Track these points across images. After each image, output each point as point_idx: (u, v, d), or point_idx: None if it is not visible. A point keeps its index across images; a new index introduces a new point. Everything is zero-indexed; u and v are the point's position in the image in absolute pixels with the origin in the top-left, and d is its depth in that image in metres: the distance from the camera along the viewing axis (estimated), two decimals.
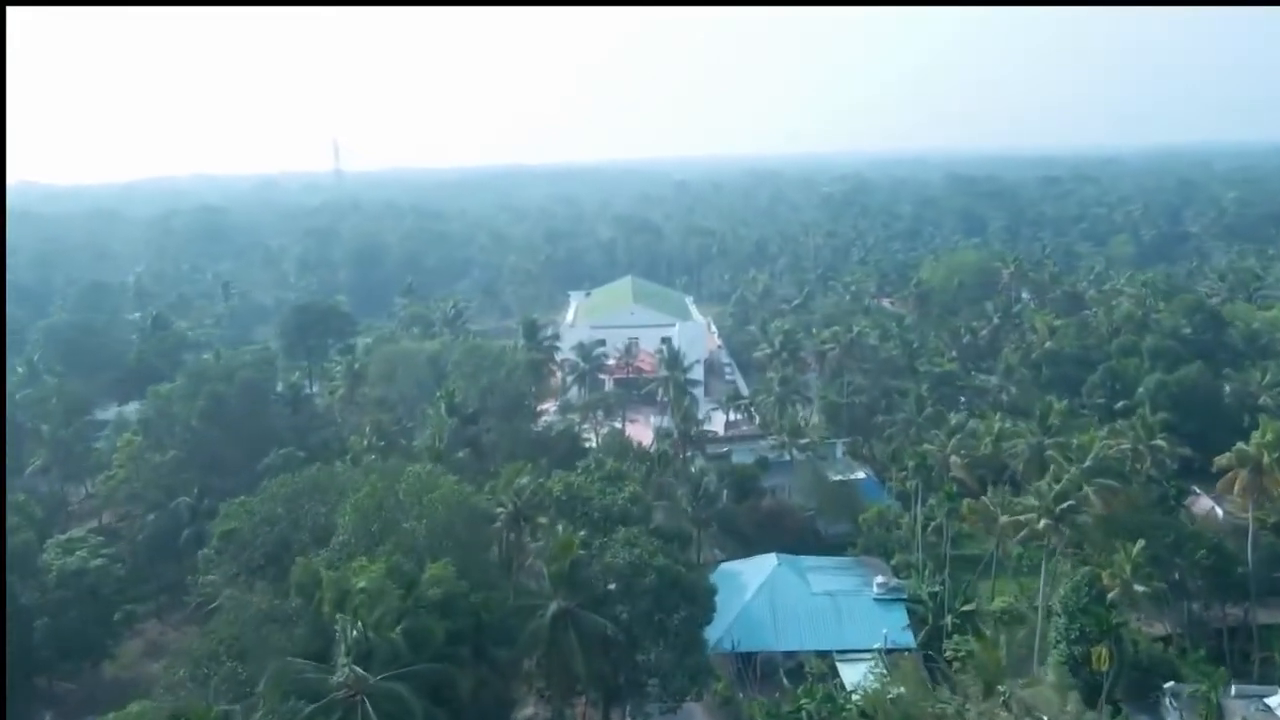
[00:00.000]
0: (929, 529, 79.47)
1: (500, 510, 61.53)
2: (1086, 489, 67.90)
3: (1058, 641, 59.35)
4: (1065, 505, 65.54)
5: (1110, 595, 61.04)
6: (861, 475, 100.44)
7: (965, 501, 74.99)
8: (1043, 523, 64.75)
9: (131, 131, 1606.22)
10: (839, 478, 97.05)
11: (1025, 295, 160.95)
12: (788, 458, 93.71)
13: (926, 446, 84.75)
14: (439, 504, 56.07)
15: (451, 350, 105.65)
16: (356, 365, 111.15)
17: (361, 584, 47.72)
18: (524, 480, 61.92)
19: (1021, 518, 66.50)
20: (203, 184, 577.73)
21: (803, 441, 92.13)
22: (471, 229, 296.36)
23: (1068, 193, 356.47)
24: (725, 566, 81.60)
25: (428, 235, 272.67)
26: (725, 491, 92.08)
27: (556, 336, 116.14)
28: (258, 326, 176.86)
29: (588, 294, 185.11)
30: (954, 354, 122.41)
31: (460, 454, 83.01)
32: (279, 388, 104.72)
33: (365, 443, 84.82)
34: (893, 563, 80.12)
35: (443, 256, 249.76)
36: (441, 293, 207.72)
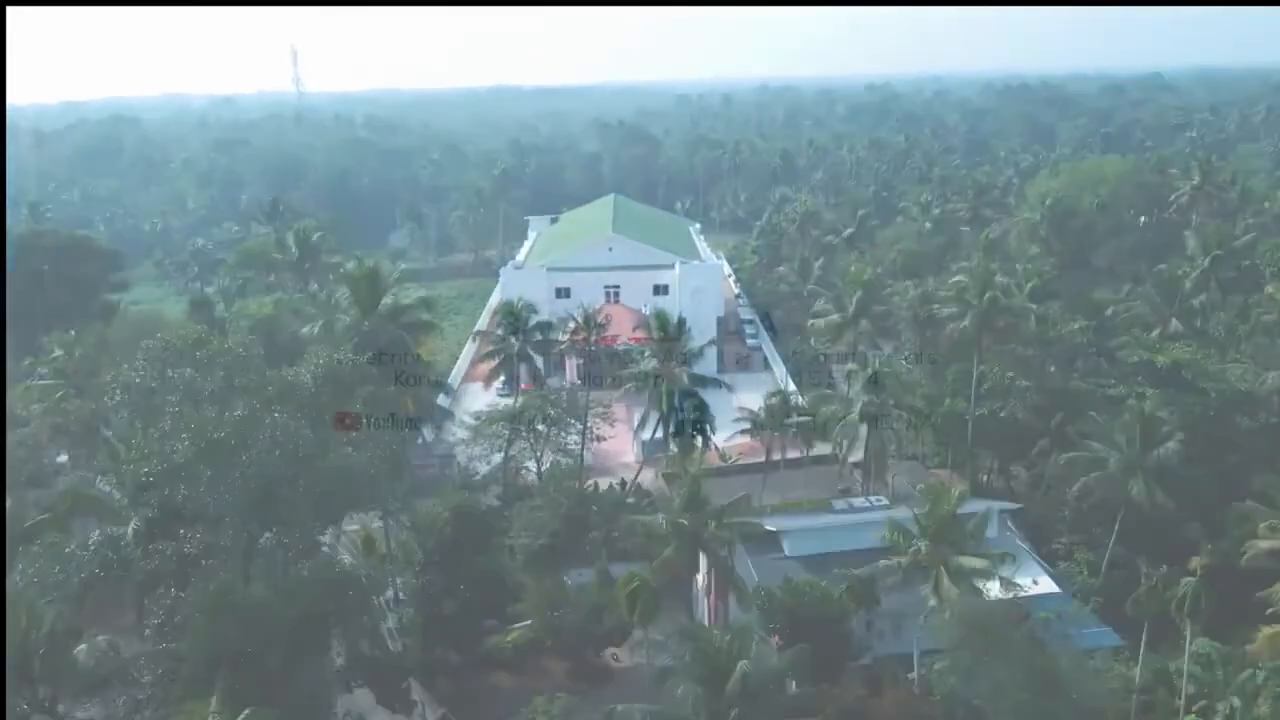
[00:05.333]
0: None
1: None
2: None
3: None
4: None
5: None
6: (1053, 588, 49.43)
7: None
8: None
9: (109, 51, 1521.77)
10: (1008, 592, 45.54)
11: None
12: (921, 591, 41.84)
13: None
14: None
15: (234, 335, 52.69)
16: (79, 353, 59.46)
17: None
18: None
19: None
20: (169, 103, 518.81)
21: (968, 566, 40.07)
22: (427, 143, 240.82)
23: (1139, 101, 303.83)
24: None
25: (368, 149, 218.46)
26: (779, 635, 42.43)
27: (426, 304, 60.85)
28: None
29: (554, 220, 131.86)
30: (1175, 325, 69.69)
31: (100, 639, 32.27)
32: None
33: None
34: None
35: (380, 175, 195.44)
36: (368, 220, 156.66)
